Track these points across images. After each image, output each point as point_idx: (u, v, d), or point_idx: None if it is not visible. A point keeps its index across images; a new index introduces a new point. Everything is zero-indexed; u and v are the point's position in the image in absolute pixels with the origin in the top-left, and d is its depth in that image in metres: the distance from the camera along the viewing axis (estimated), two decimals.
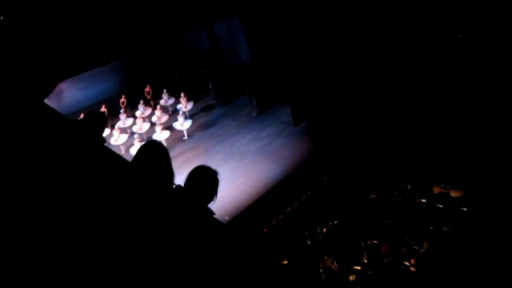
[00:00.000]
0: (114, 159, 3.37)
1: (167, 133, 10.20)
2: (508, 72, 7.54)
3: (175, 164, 2.96)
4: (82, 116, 8.83)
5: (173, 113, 11.57)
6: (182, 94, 11.23)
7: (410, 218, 7.27)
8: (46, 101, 5.31)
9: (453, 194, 7.34)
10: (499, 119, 7.73)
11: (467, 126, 8.00)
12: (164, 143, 9.52)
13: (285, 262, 6.77)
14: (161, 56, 12.56)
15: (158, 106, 11.11)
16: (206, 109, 11.95)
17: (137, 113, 11.16)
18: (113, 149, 6.01)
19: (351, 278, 6.60)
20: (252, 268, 2.65)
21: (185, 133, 10.53)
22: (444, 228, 6.97)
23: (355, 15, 8.34)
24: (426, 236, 6.88)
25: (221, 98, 11.75)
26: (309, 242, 7.21)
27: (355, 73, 8.92)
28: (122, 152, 9.90)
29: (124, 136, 10.22)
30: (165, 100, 11.77)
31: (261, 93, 10.75)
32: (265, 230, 7.13)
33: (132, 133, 10.44)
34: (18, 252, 2.20)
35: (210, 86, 11.74)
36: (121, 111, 11.18)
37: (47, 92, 5.47)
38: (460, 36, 7.58)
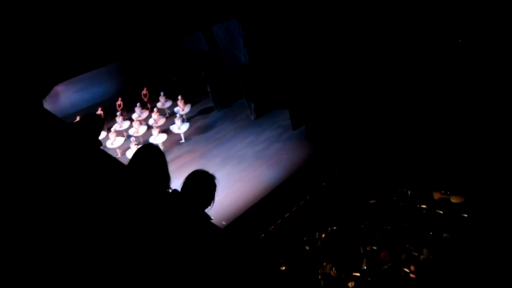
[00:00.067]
0: (110, 162, 3.34)
1: (164, 136, 10.13)
2: (508, 78, 7.55)
3: (171, 168, 2.91)
4: (78, 118, 8.77)
5: (170, 116, 11.54)
6: (179, 97, 11.20)
7: (410, 224, 7.23)
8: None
9: (454, 200, 7.32)
10: (499, 125, 7.71)
11: (468, 132, 7.97)
12: (161, 147, 9.47)
13: (283, 268, 6.72)
14: (159, 58, 12.53)
15: (155, 109, 11.06)
16: (204, 112, 11.89)
17: (134, 116, 11.11)
18: (109, 152, 5.95)
19: (350, 284, 6.55)
20: (249, 274, 2.61)
21: (182, 136, 10.47)
22: (445, 235, 6.92)
23: (355, 19, 8.32)
24: (426, 243, 6.83)
25: (219, 101, 11.70)
26: (307, 247, 7.15)
27: (355, 77, 8.89)
28: (118, 155, 9.83)
29: (121, 139, 10.15)
30: (162, 102, 11.72)
31: (260, 96, 10.71)
32: (263, 235, 7.07)
33: (129, 136, 10.39)
34: (13, 255, 2.15)
35: (208, 89, 11.69)
36: (118, 113, 11.12)
37: (44, 94, 5.41)
38: (460, 41, 7.57)
